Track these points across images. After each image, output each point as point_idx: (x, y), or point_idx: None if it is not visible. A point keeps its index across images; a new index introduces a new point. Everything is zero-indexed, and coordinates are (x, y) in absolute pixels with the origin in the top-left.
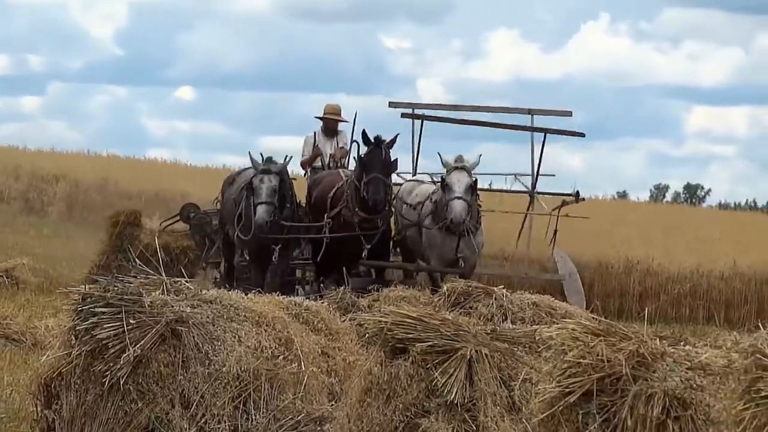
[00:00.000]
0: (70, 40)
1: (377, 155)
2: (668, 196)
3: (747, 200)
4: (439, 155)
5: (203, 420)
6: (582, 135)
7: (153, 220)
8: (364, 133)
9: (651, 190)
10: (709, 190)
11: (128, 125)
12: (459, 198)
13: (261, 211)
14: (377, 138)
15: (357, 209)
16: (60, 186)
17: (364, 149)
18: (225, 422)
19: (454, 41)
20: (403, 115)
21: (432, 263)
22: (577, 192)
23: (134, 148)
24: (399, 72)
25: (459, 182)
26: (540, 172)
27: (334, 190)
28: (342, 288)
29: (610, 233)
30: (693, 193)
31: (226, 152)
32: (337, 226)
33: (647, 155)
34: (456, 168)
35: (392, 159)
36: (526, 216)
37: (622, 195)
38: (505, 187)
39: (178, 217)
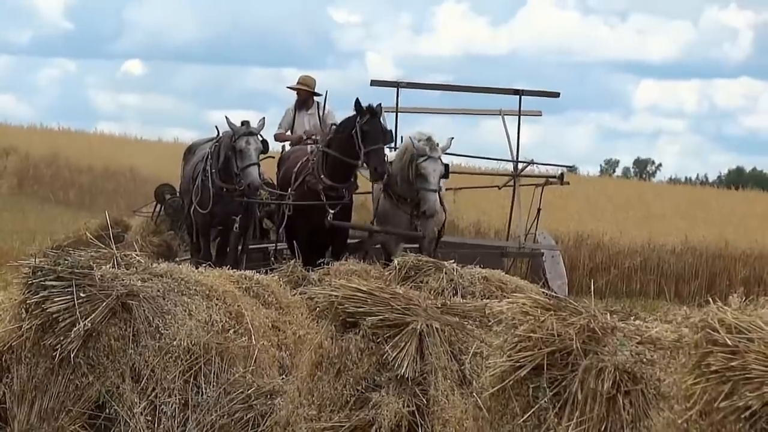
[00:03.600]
0: (17, 13)
1: (377, 125)
2: (618, 171)
3: (698, 175)
4: (411, 138)
5: (154, 393)
6: (557, 95)
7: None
8: (357, 102)
9: (601, 165)
10: (660, 164)
11: (77, 99)
12: (433, 190)
13: (253, 172)
14: (374, 107)
15: (322, 176)
16: (10, 160)
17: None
18: (175, 396)
19: (403, 15)
20: (374, 83)
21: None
22: (562, 174)
23: (84, 122)
24: (348, 46)
25: (434, 173)
26: (519, 158)
27: (298, 164)
28: (293, 261)
29: (561, 208)
30: (643, 168)
31: (175, 126)
32: (300, 195)
33: (596, 130)
34: (430, 157)
35: (389, 129)
36: (514, 193)
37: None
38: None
39: (154, 201)
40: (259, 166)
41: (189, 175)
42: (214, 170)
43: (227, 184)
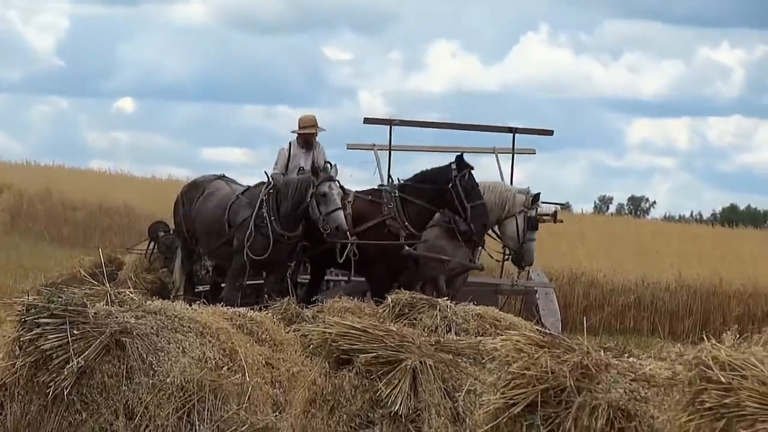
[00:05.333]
0: (9, 50)
1: (474, 180)
2: (612, 208)
3: (692, 212)
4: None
5: (147, 431)
6: (550, 133)
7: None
8: (460, 158)
9: (595, 202)
10: (654, 202)
11: (70, 136)
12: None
13: (340, 216)
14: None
15: (406, 223)
16: (4, 197)
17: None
18: None
19: (395, 52)
20: (367, 121)
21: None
22: (555, 212)
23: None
24: (340, 83)
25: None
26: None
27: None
28: (287, 298)
29: (555, 245)
30: (637, 205)
31: (167, 164)
32: (377, 238)
33: (589, 167)
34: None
35: None
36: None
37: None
38: None
39: (147, 239)
40: (344, 209)
41: (217, 216)
42: (273, 217)
43: (288, 231)
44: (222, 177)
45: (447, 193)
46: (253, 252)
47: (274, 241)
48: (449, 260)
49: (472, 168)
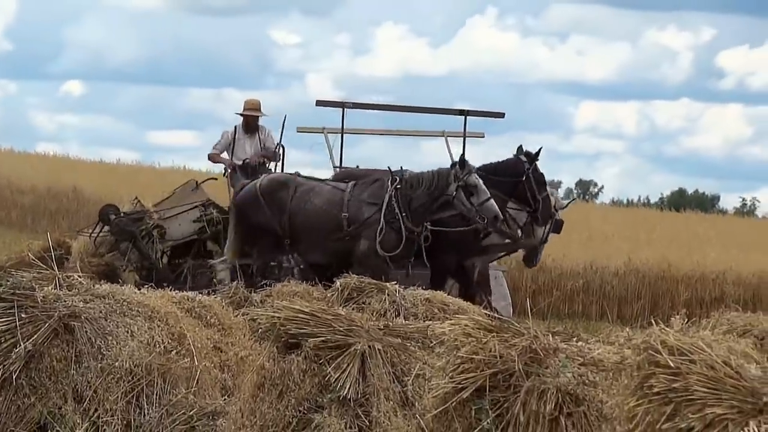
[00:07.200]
0: None
1: (542, 173)
2: (560, 192)
3: (640, 197)
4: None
5: (96, 414)
6: (502, 116)
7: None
8: (521, 149)
9: None
10: (602, 186)
11: (16, 120)
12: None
13: (494, 205)
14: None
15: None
16: None
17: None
18: (118, 417)
19: (343, 36)
20: (319, 103)
21: None
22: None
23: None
24: (288, 67)
25: None
26: None
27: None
28: (234, 283)
29: None
30: (586, 189)
31: (115, 147)
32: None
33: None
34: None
35: None
36: None
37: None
38: None
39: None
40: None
41: (332, 213)
42: (404, 213)
43: (416, 227)
44: (298, 174)
45: (520, 184)
46: (384, 248)
47: (406, 237)
48: (522, 240)
49: (538, 159)
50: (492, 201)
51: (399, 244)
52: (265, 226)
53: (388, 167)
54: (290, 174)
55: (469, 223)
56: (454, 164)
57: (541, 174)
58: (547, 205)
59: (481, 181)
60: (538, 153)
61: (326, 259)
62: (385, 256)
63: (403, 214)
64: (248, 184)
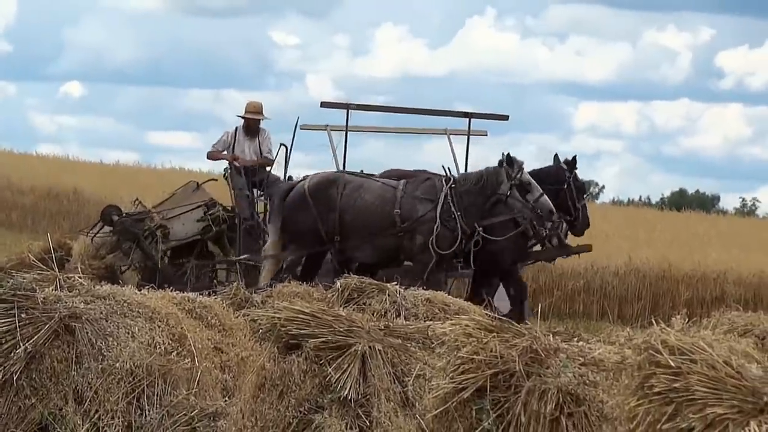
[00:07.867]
0: None
1: (582, 182)
2: None
3: (640, 196)
4: None
5: (97, 416)
6: (506, 118)
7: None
8: (562, 158)
9: None
10: (603, 186)
11: (16, 121)
12: None
13: (548, 200)
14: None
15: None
16: None
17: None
18: (118, 418)
19: (342, 37)
20: (323, 104)
21: None
22: None
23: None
24: (287, 67)
25: None
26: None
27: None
28: (236, 283)
29: None
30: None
31: (115, 148)
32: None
33: (537, 151)
34: None
35: None
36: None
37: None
38: None
39: (101, 224)
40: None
41: (384, 211)
42: (459, 212)
43: (468, 227)
44: (345, 172)
45: (561, 192)
46: (439, 247)
47: (459, 236)
48: (573, 249)
49: (577, 168)
50: (546, 196)
51: (454, 243)
52: (311, 226)
53: (442, 165)
54: (335, 172)
55: (518, 226)
56: (501, 162)
57: (582, 183)
58: (585, 213)
59: (531, 177)
60: (575, 160)
61: (375, 256)
62: (437, 254)
63: (458, 213)
64: (297, 183)
